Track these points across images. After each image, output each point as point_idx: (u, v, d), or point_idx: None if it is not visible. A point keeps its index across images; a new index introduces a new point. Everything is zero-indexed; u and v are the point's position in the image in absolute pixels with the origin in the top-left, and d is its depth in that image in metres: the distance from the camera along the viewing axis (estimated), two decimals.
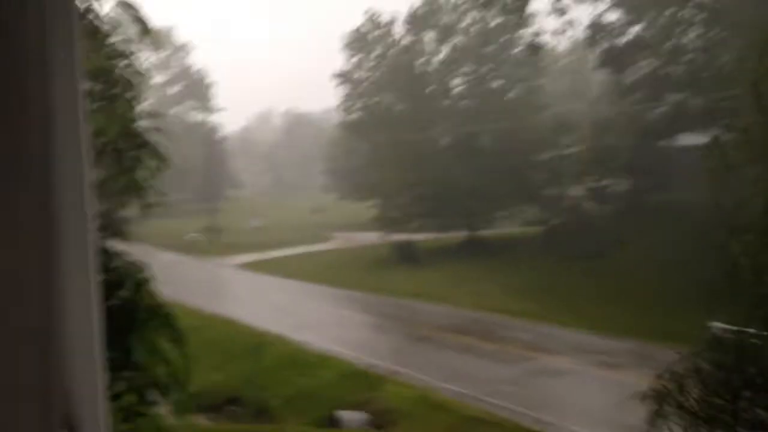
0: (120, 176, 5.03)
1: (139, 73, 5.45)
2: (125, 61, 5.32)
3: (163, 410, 4.86)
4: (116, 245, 5.11)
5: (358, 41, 40.62)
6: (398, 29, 40.16)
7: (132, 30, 5.44)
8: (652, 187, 29.28)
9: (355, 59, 40.93)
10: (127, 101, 5.03)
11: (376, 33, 40.12)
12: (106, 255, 4.87)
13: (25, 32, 1.14)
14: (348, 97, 41.59)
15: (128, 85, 5.23)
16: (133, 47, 5.91)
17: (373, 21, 40.23)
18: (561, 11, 14.22)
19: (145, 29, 5.22)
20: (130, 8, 5.32)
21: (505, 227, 38.98)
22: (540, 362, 17.06)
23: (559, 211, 35.10)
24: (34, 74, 1.15)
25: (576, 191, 37.70)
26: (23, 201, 1.12)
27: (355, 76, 41.23)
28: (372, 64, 40.58)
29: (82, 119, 1.22)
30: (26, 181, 1.13)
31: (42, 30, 1.15)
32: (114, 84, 5.03)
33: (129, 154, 5.08)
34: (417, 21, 39.23)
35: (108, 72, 4.96)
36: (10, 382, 1.10)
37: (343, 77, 41.29)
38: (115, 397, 4.71)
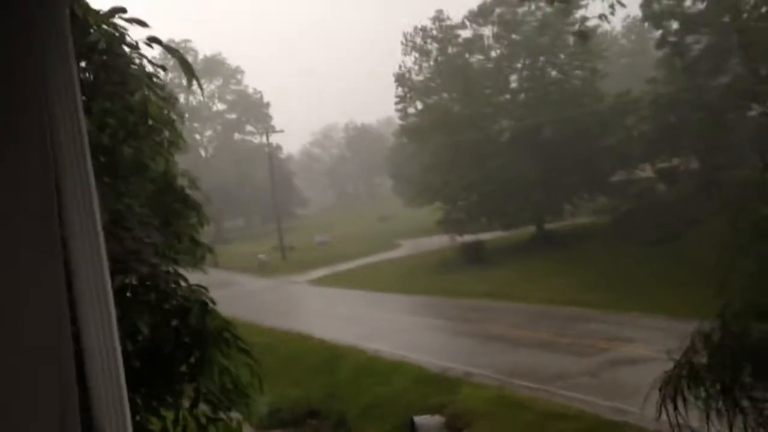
0: (165, 228, 5.21)
1: (178, 121, 5.57)
2: (169, 108, 5.45)
3: (236, 420, 5.06)
4: (179, 272, 5.28)
5: (416, 41, 40.56)
6: (454, 29, 39.96)
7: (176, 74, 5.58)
8: (724, 163, 27.99)
9: (413, 61, 40.86)
10: (169, 153, 5.17)
11: (437, 33, 39.99)
12: (171, 282, 5.07)
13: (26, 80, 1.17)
14: (406, 101, 41.59)
15: (175, 135, 5.38)
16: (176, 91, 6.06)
17: (434, 20, 40.07)
18: None
19: (190, 75, 5.32)
20: (175, 53, 5.43)
21: (574, 218, 38.13)
22: (617, 352, 16.56)
23: (628, 196, 34.06)
24: (33, 105, 1.17)
25: (645, 174, 36.52)
26: (30, 229, 1.15)
27: (414, 78, 41.19)
28: (429, 64, 40.48)
29: (86, 151, 1.25)
30: (34, 207, 1.16)
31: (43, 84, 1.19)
32: (158, 133, 5.18)
33: (170, 208, 5.25)
34: (473, 19, 39.00)
35: (157, 118, 5.11)
36: (29, 402, 1.12)
37: (402, 79, 41.27)
38: (190, 407, 4.96)
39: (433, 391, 15.96)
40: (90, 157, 1.26)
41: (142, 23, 5.18)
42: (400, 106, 42.11)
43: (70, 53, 1.26)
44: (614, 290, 22.57)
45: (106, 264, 1.26)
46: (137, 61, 5.11)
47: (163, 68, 5.56)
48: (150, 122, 5.00)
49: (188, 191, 5.58)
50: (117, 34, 4.95)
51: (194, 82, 5.49)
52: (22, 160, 1.15)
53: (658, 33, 31.81)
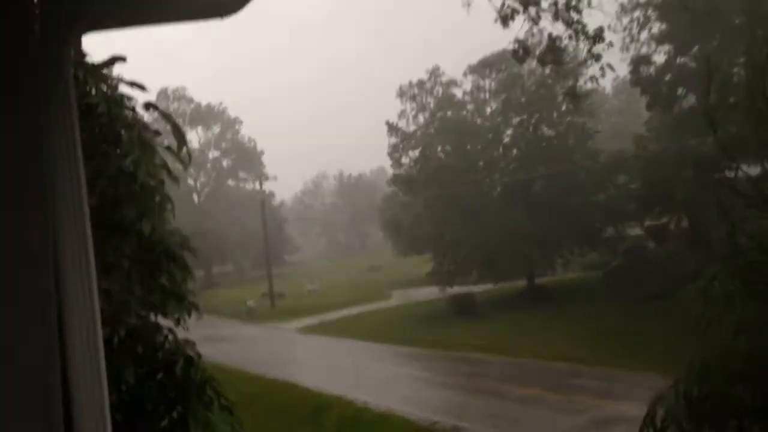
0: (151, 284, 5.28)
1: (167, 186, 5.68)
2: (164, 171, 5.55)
3: None
4: (169, 327, 5.34)
5: (413, 94, 41.33)
6: (450, 85, 40.79)
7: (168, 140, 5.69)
8: (714, 221, 28.25)
9: (406, 112, 41.57)
10: (157, 214, 5.25)
11: (432, 87, 40.80)
12: (158, 334, 5.12)
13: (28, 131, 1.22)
14: (399, 151, 42.10)
15: (164, 198, 5.46)
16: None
17: (430, 74, 40.91)
18: (596, 57, 14.23)
19: (182, 143, 5.44)
20: (169, 119, 5.57)
21: (564, 273, 38.21)
22: (607, 410, 16.39)
23: (618, 252, 34.26)
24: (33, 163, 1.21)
25: (635, 231, 36.83)
26: (27, 277, 1.19)
27: (407, 129, 41.79)
28: (424, 116, 41.17)
29: (84, 201, 1.31)
30: (30, 245, 1.19)
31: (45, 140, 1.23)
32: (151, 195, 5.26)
33: (157, 266, 5.31)
34: (474, 71, 39.86)
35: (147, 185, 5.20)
36: (18, 420, 1.14)
37: (394, 130, 41.86)
38: None
39: None
40: (88, 212, 1.31)
41: (141, 87, 5.32)
42: (393, 156, 42.60)
43: (74, 117, 1.31)
44: (604, 347, 22.48)
45: (98, 315, 1.30)
46: (130, 119, 5.21)
47: (157, 133, 5.67)
48: (139, 186, 5.05)
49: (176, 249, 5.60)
50: (114, 95, 5.07)
51: (184, 149, 5.60)
52: (22, 210, 1.19)
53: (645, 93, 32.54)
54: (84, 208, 1.28)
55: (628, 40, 30.72)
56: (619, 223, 35.65)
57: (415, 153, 41.49)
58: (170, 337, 5.13)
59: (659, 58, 31.12)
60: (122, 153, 5.04)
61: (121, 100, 5.15)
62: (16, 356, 1.14)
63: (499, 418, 16.98)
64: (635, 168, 32.49)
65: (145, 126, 5.35)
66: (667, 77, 30.34)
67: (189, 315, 5.96)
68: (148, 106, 5.34)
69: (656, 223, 34.48)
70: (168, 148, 6.01)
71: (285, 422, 18.89)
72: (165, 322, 5.29)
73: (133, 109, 5.28)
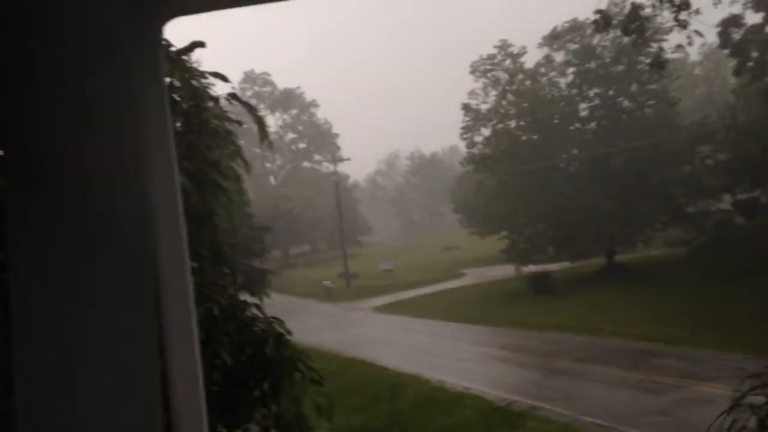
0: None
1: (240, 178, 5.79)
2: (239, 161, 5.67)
3: None
4: (256, 303, 5.52)
5: (485, 69, 40.63)
6: (520, 56, 39.88)
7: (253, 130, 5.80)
8: None
9: (481, 89, 40.88)
10: (233, 205, 5.38)
11: (502, 60, 40.02)
12: (248, 313, 5.31)
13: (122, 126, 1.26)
14: (474, 129, 41.53)
15: (239, 189, 5.61)
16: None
17: (499, 49, 40.13)
18: (683, 24, 13.59)
19: (264, 133, 5.53)
20: (252, 110, 5.67)
21: (646, 250, 36.97)
22: (691, 390, 15.84)
23: (705, 228, 32.80)
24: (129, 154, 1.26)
25: (723, 206, 35.12)
26: (127, 267, 1.24)
27: (482, 106, 41.19)
28: (498, 92, 40.42)
29: (177, 186, 1.34)
30: (129, 246, 1.25)
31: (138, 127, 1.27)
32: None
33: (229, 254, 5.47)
34: (546, 43, 38.86)
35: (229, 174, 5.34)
36: (116, 416, 1.20)
37: (468, 108, 41.32)
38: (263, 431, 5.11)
39: (498, 424, 15.65)
40: (181, 198, 1.34)
41: (224, 78, 5.41)
42: (466, 135, 42.03)
43: (166, 102, 1.33)
44: (689, 325, 21.69)
45: (191, 292, 1.34)
46: (215, 111, 5.31)
47: (240, 123, 5.76)
48: (220, 178, 5.16)
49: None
50: (198, 85, 5.17)
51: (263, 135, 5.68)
52: (120, 197, 1.24)
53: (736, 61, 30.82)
54: (177, 193, 1.32)
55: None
56: (705, 197, 34.08)
57: (488, 130, 40.82)
58: (260, 315, 5.28)
59: (753, 18, 29.24)
60: (206, 144, 5.16)
61: (204, 91, 5.27)
62: (114, 335, 1.20)
63: (577, 398, 16.70)
64: (723, 139, 30.96)
65: (227, 118, 5.46)
66: (759, 40, 28.58)
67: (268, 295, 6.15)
68: (232, 96, 5.45)
69: (746, 197, 32.76)
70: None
71: (362, 400, 19.20)
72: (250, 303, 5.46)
73: (217, 100, 5.40)
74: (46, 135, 1.20)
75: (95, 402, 1.19)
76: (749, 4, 29.20)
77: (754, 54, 28.78)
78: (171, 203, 1.31)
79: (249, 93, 75.95)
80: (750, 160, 28.43)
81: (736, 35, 29.38)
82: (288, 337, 5.11)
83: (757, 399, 6.62)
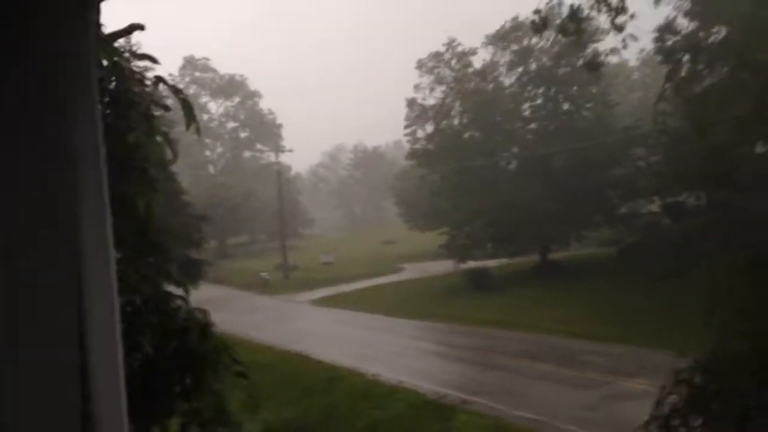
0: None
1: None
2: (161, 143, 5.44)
3: None
4: (181, 294, 5.33)
5: (431, 66, 40.82)
6: (467, 55, 40.19)
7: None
8: (732, 199, 27.82)
9: (426, 85, 41.07)
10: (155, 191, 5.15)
11: (450, 58, 40.27)
12: (172, 304, 5.12)
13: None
14: (417, 124, 41.77)
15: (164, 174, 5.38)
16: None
17: (447, 47, 40.34)
18: (619, 27, 13.93)
19: (190, 117, 5.31)
20: (178, 93, 5.44)
21: (579, 249, 37.97)
22: (619, 386, 16.37)
23: (634, 229, 33.92)
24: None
25: (653, 208, 36.39)
26: (49, 244, 1.20)
27: (427, 101, 41.42)
28: (442, 89, 40.72)
29: (104, 180, 1.30)
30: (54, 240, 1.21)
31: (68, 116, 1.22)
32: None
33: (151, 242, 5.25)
34: (491, 42, 39.28)
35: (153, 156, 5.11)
36: (32, 409, 1.16)
37: (413, 103, 41.50)
38: (183, 427, 4.95)
39: (430, 417, 15.77)
40: (107, 185, 1.30)
41: (154, 60, 5.20)
42: (409, 130, 42.27)
43: (95, 87, 1.30)
44: (618, 323, 22.38)
45: (115, 282, 1.31)
46: (139, 94, 5.10)
47: (166, 108, 5.57)
48: (145, 164, 4.96)
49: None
50: (125, 68, 4.96)
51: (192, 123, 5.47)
52: (45, 179, 1.21)
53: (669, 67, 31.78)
54: (104, 180, 1.30)
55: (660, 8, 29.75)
56: (637, 199, 35.26)
57: (431, 126, 41.13)
58: (184, 306, 5.13)
59: (690, 26, 30.10)
60: (130, 126, 4.95)
61: (130, 73, 5.05)
62: (33, 324, 1.18)
63: (510, 392, 16.99)
64: (655, 144, 31.99)
65: (153, 101, 5.26)
66: (691, 47, 29.52)
67: (195, 285, 5.96)
68: (158, 79, 5.23)
69: (673, 200, 34.02)
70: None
71: (297, 392, 19.05)
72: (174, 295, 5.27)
73: (142, 82, 5.18)
74: None
75: (10, 392, 1.15)
76: (685, 11, 30.15)
77: (686, 61, 29.72)
78: (97, 189, 1.28)
79: (188, 79, 74.24)
80: (679, 165, 29.47)
81: (670, 42, 30.28)
82: (213, 328, 4.95)
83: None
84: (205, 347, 4.87)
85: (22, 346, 1.17)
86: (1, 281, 1.16)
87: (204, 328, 4.97)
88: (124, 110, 4.92)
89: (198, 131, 6.75)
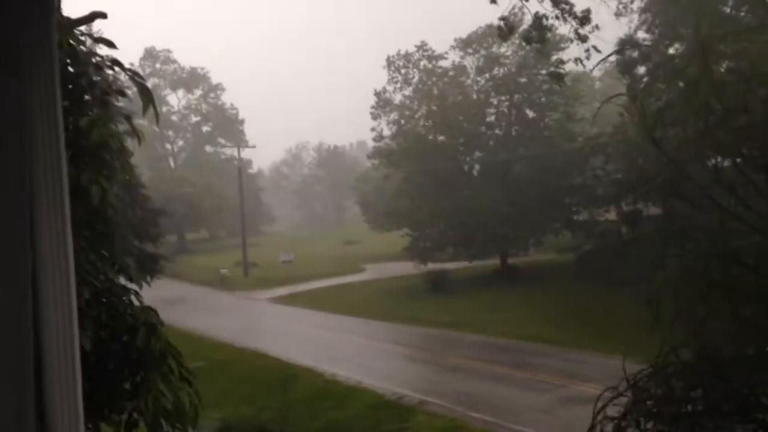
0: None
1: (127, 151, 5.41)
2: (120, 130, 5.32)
3: None
4: (135, 290, 5.21)
5: (399, 66, 40.77)
6: (437, 59, 40.33)
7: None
8: (687, 210, 28.55)
9: (393, 84, 40.98)
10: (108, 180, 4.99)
11: (419, 60, 40.31)
12: (124, 299, 5.00)
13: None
14: (380, 123, 41.70)
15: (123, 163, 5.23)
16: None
17: (418, 48, 40.36)
18: (583, 38, 14.15)
19: (147, 102, 5.18)
20: (135, 77, 5.32)
21: (538, 254, 38.55)
22: (572, 390, 16.68)
23: (592, 236, 34.58)
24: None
25: (609, 216, 37.14)
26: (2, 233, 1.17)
27: (394, 99, 41.37)
28: (409, 91, 40.77)
29: (63, 165, 1.27)
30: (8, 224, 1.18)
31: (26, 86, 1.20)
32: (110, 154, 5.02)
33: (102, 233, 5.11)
34: (460, 47, 39.52)
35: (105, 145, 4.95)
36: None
37: (380, 101, 41.40)
38: (128, 427, 4.86)
39: (388, 417, 15.83)
40: (66, 171, 1.27)
41: (110, 44, 5.10)
42: (375, 123, 41.95)
43: (56, 72, 1.26)
44: (572, 328, 22.80)
45: (73, 273, 1.27)
46: (93, 78, 4.97)
47: (122, 93, 5.44)
48: (94, 147, 4.81)
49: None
50: (80, 50, 4.84)
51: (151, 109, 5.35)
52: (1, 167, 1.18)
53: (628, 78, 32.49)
54: (63, 165, 1.26)
55: (622, 19, 30.37)
56: (595, 206, 35.96)
57: (395, 126, 41.22)
58: (134, 303, 5.02)
59: (648, 40, 30.83)
60: (83, 111, 4.82)
61: (86, 57, 4.93)
62: None
63: (466, 394, 17.17)
64: (614, 153, 32.63)
65: (109, 85, 5.14)
66: (648, 64, 30.26)
67: (151, 279, 5.86)
68: (114, 63, 5.11)
69: (631, 209, 34.77)
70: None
71: (253, 390, 18.92)
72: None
73: (98, 66, 5.06)
74: None
75: None
76: (647, 26, 30.87)
77: (642, 75, 30.41)
78: (55, 179, 1.24)
79: (149, 70, 72.97)
80: (636, 174, 30.13)
81: (631, 54, 30.95)
82: (159, 329, 4.87)
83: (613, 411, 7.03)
84: (150, 348, 4.78)
85: None
86: None
87: (152, 327, 4.87)
88: (79, 94, 4.81)
89: (157, 118, 6.62)
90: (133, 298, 5.05)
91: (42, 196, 1.21)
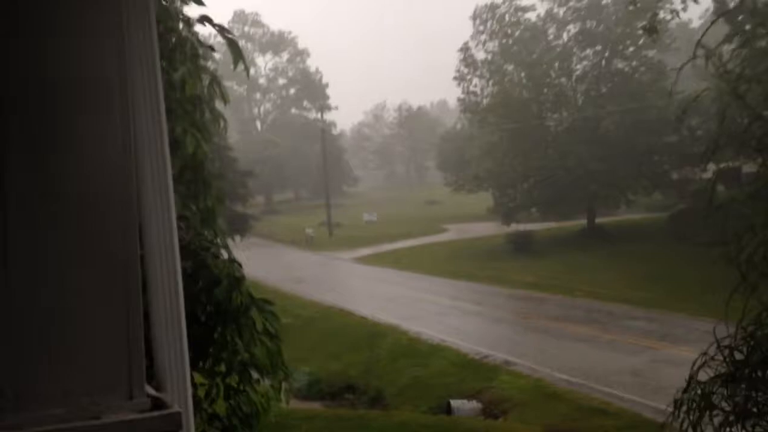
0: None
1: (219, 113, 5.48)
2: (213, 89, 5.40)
3: (263, 390, 5.10)
4: (219, 244, 5.24)
5: (485, 18, 39.80)
6: (523, 10, 39.17)
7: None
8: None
9: (479, 38, 40.05)
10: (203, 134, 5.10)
11: (505, 12, 39.25)
12: (209, 252, 5.04)
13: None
14: (466, 78, 40.88)
15: (215, 117, 5.35)
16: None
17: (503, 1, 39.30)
18: None
19: (237, 58, 5.24)
20: (225, 33, 5.36)
21: (628, 214, 37.37)
22: (662, 352, 16.26)
23: (686, 195, 33.16)
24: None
25: (705, 174, 35.39)
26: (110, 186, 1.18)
27: (477, 55, 40.54)
28: (495, 44, 39.76)
29: (163, 128, 1.30)
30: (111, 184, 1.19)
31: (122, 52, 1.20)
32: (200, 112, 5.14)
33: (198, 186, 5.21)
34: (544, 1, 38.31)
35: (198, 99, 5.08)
36: (101, 353, 1.18)
37: (466, 53, 40.58)
38: (216, 375, 4.96)
39: (471, 376, 15.99)
40: (165, 122, 1.30)
41: (199, 1, 5.19)
42: (461, 82, 41.14)
43: (152, 18, 1.28)
44: (663, 289, 22.14)
45: (174, 225, 1.32)
46: (183, 33, 5.05)
47: (212, 48, 5.50)
48: (187, 101, 4.91)
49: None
50: (169, 7, 4.92)
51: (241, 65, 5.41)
52: (104, 123, 1.18)
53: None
54: (161, 117, 1.28)
55: None
56: (690, 164, 34.34)
57: (483, 82, 40.24)
58: (221, 256, 5.03)
59: None
60: (174, 66, 4.90)
61: (175, 13, 5.01)
62: (99, 273, 1.17)
63: (549, 355, 17.08)
64: (712, 108, 30.93)
65: (198, 41, 5.21)
66: (751, 9, 28.26)
67: (242, 239, 6.01)
68: (203, 18, 5.20)
69: (728, 166, 33.00)
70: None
71: (340, 347, 19.51)
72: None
73: (188, 22, 5.17)
74: (24, 58, 1.14)
75: (78, 343, 1.16)
76: None
77: (746, 23, 28.46)
78: (156, 130, 1.27)
79: (238, 33, 74.34)
80: (735, 131, 28.54)
81: (732, 2, 28.99)
82: (243, 282, 4.90)
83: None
84: (231, 301, 4.82)
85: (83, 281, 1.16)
86: (61, 224, 1.14)
87: (235, 281, 4.89)
88: (170, 49, 4.89)
89: (247, 73, 6.71)
90: (223, 251, 5.11)
91: (145, 149, 1.25)
